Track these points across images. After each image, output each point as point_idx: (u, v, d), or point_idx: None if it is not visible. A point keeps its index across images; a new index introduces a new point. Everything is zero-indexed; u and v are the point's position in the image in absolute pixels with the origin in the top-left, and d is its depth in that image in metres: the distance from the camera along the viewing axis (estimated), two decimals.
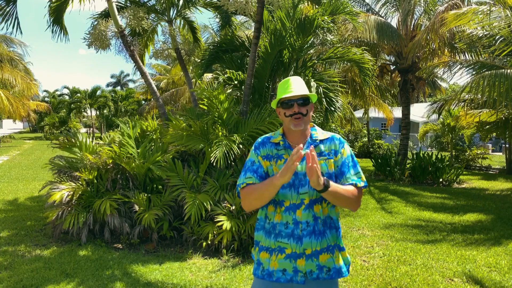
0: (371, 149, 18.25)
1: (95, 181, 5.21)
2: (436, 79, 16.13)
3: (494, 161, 15.87)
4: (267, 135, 1.96)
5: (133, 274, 3.97)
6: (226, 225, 4.48)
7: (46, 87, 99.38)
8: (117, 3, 6.97)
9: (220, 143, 4.85)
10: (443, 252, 4.81)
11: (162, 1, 7.14)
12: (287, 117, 1.83)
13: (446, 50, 11.01)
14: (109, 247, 4.80)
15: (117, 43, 6.78)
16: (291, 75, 6.16)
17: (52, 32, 7.10)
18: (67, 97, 35.09)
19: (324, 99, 5.93)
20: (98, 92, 32.99)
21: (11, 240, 5.04)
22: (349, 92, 12.83)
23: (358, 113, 22.20)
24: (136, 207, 4.93)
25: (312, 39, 6.27)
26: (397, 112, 17.37)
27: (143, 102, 30.36)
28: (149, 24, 6.70)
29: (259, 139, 1.94)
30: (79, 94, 33.04)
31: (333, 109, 6.04)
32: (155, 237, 4.90)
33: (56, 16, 6.93)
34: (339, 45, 7.03)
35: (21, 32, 6.63)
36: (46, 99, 36.20)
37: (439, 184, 10.36)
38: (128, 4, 7.06)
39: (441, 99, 14.30)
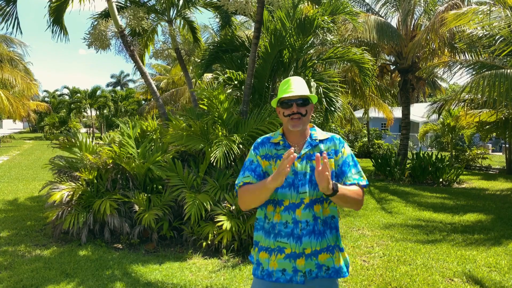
0: (371, 149, 18.26)
1: (95, 181, 5.21)
2: (436, 79, 16.13)
3: (494, 161, 15.87)
4: (267, 135, 1.97)
5: (133, 274, 3.97)
6: (226, 225, 4.48)
7: (46, 87, 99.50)
8: (117, 3, 6.97)
9: (220, 143, 4.85)
10: (443, 252, 4.81)
11: (162, 1, 7.14)
12: (286, 117, 1.84)
13: (446, 50, 11.01)
14: (109, 247, 4.80)
15: (117, 43, 6.78)
16: (291, 75, 6.16)
17: (52, 32, 7.11)
18: (67, 97, 35.10)
19: (324, 99, 5.93)
20: (98, 92, 33.00)
21: (11, 240, 5.04)
22: (349, 92, 12.82)
23: (358, 113, 22.20)
24: (136, 207, 4.93)
25: (312, 39, 6.27)
26: (397, 112, 17.37)
27: (143, 102, 30.37)
28: (149, 24, 6.70)
29: (259, 139, 1.95)
30: (79, 94, 33.05)
31: (333, 109, 6.04)
32: (155, 237, 4.90)
33: (56, 16, 6.93)
34: (339, 45, 7.03)
35: (21, 32, 6.64)
36: (46, 99, 36.20)
37: (439, 184, 10.36)
38: (128, 4, 7.06)
39: (441, 99, 14.31)
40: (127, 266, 4.18)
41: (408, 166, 11.02)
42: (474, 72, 8.65)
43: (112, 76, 55.49)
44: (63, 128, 32.08)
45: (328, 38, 6.46)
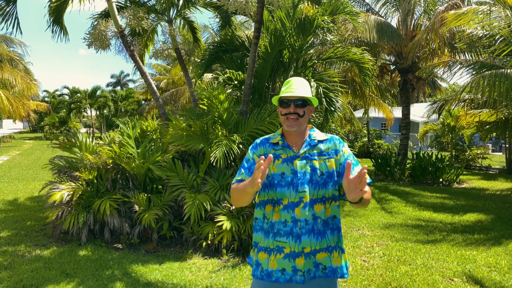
0: (371, 149, 18.26)
1: (95, 181, 5.21)
2: (436, 79, 16.12)
3: (494, 161, 15.88)
4: (266, 136, 1.98)
5: (133, 274, 3.97)
6: (226, 225, 4.48)
7: (46, 87, 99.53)
8: (117, 3, 6.97)
9: (220, 143, 4.85)
10: (443, 252, 4.81)
11: (162, 1, 7.14)
12: (283, 116, 1.85)
13: (446, 50, 11.00)
14: (109, 247, 4.80)
15: (117, 43, 6.79)
16: (291, 75, 6.16)
17: (52, 32, 7.10)
18: (67, 97, 35.09)
19: (324, 99, 5.93)
20: (98, 92, 33.00)
21: (11, 240, 5.04)
22: (349, 92, 12.82)
23: (358, 113, 22.20)
24: (136, 207, 4.93)
25: (312, 39, 6.27)
26: (397, 112, 17.37)
27: (143, 102, 30.37)
28: (149, 24, 6.70)
29: (258, 140, 1.96)
30: (79, 94, 33.04)
31: (333, 109, 6.04)
32: (155, 237, 4.90)
33: (56, 16, 6.93)
34: (339, 45, 7.03)
35: (21, 32, 6.63)
36: (46, 99, 36.20)
37: (439, 184, 10.36)
38: (128, 4, 7.06)
39: (441, 99, 14.31)
40: (127, 266, 4.18)
41: (408, 166, 11.02)
42: (474, 72, 8.65)
43: (112, 76, 55.53)
44: (63, 128, 32.09)
45: (328, 38, 6.46)
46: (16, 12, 6.38)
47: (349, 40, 10.99)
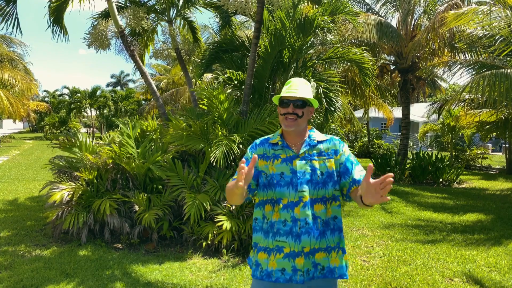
0: (371, 149, 18.26)
1: (95, 181, 5.21)
2: (436, 79, 16.12)
3: (494, 161, 15.88)
4: (266, 136, 1.98)
5: (133, 274, 3.97)
6: (226, 225, 4.48)
7: (46, 87, 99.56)
8: (117, 3, 6.97)
9: (220, 143, 4.85)
10: (443, 252, 4.81)
11: (162, 1, 7.13)
12: (281, 115, 1.86)
13: (446, 50, 11.00)
14: (109, 247, 4.80)
15: (117, 43, 6.78)
16: (291, 75, 6.16)
17: (52, 32, 7.10)
18: (67, 97, 35.10)
19: (324, 99, 5.93)
20: (98, 92, 33.00)
21: (11, 240, 5.04)
22: (349, 92, 12.82)
23: (358, 113, 22.20)
24: (136, 207, 4.93)
25: (312, 39, 6.27)
26: (397, 112, 17.37)
27: (143, 102, 30.37)
28: (149, 24, 6.70)
29: (257, 140, 1.97)
30: (79, 94, 33.05)
31: (333, 109, 6.04)
32: (155, 237, 4.90)
33: (56, 16, 6.93)
34: (339, 45, 7.03)
35: (21, 32, 6.63)
36: (46, 99, 36.21)
37: (439, 184, 10.35)
38: (128, 4, 7.05)
39: (441, 99, 14.31)
40: (127, 266, 4.18)
41: (408, 166, 11.02)
42: (474, 72, 8.65)
43: (112, 76, 55.54)
44: (63, 128, 32.09)
45: (328, 38, 6.46)
46: (16, 12, 6.38)
47: (349, 40, 10.99)
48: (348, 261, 1.91)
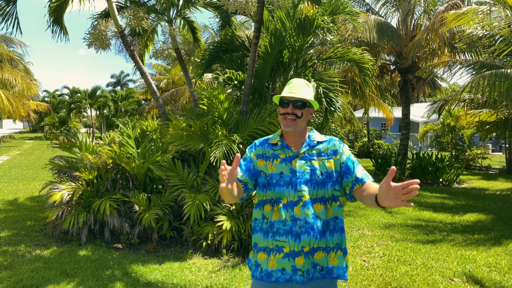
0: (371, 149, 18.26)
1: (95, 181, 5.21)
2: (436, 79, 16.12)
3: (494, 161, 15.88)
4: (265, 137, 1.99)
5: (133, 274, 3.97)
6: (226, 225, 4.48)
7: (46, 87, 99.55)
8: (117, 3, 6.97)
9: (220, 143, 4.85)
10: (443, 252, 4.81)
11: (162, 1, 7.13)
12: (281, 115, 1.87)
13: (446, 50, 11.01)
14: (109, 247, 4.80)
15: (117, 43, 6.78)
16: (291, 75, 6.16)
17: (52, 32, 7.10)
18: (67, 97, 35.10)
19: (324, 99, 5.93)
20: (98, 92, 33.01)
21: (11, 240, 5.04)
22: (349, 92, 12.82)
23: (358, 113, 22.20)
24: (136, 207, 4.93)
25: (312, 39, 6.27)
26: (397, 112, 17.37)
27: (143, 102, 30.37)
28: (149, 24, 6.70)
29: (257, 141, 1.98)
30: (79, 94, 33.05)
31: (333, 109, 6.04)
32: (155, 237, 4.90)
33: (56, 16, 6.93)
34: (339, 45, 7.03)
35: (21, 32, 6.63)
36: (46, 99, 36.22)
37: (439, 184, 10.35)
38: (128, 4, 7.05)
39: (441, 99, 14.30)
40: (127, 266, 4.18)
41: (408, 166, 11.02)
42: (474, 72, 8.65)
43: (112, 76, 55.54)
44: (63, 128, 32.10)
45: (328, 38, 6.46)
46: (16, 12, 6.38)
47: (349, 40, 10.99)
48: (348, 262, 1.90)
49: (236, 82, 6.17)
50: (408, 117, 12.39)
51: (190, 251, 4.65)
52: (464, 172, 12.30)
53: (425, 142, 21.86)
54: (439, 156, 10.84)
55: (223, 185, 1.53)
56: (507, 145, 13.45)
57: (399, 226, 6.08)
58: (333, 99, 6.05)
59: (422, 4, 11.73)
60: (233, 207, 4.79)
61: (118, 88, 49.26)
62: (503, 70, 7.06)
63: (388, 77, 13.20)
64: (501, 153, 20.58)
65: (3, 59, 17.42)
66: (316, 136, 1.92)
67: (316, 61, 6.64)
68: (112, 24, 6.49)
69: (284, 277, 1.76)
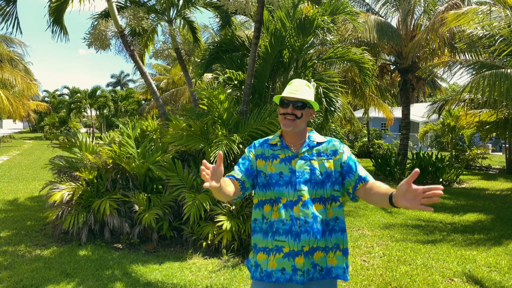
0: (371, 149, 18.26)
1: (95, 181, 5.21)
2: (436, 79, 16.13)
3: (494, 161, 15.87)
4: (265, 138, 2.00)
5: (133, 274, 3.97)
6: (226, 225, 4.48)
7: (46, 87, 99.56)
8: (117, 3, 6.97)
9: (220, 143, 4.85)
10: (443, 252, 4.81)
11: (162, 1, 7.13)
12: (281, 115, 1.87)
13: (446, 50, 11.01)
14: (109, 247, 4.80)
15: (117, 43, 6.79)
16: (291, 75, 6.16)
17: (52, 32, 7.10)
18: (67, 97, 35.11)
19: (324, 99, 5.93)
20: (98, 92, 33.01)
21: (11, 240, 5.04)
22: (349, 92, 12.82)
23: (358, 113, 22.20)
24: (136, 207, 4.93)
25: (312, 39, 6.27)
26: (397, 112, 17.37)
27: (143, 102, 30.37)
28: (149, 24, 6.70)
29: (256, 142, 1.98)
30: (79, 94, 33.06)
31: (333, 109, 6.03)
32: (155, 237, 4.90)
33: (56, 16, 6.93)
34: (339, 45, 7.03)
35: (21, 32, 6.63)
36: (46, 99, 36.21)
37: (439, 184, 10.35)
38: (128, 4, 7.06)
39: (441, 99, 14.30)
40: (127, 266, 4.18)
41: (408, 166, 11.01)
42: (474, 72, 8.65)
43: (112, 76, 55.54)
44: (63, 128, 32.10)
45: (328, 38, 6.46)
46: (16, 12, 6.38)
47: (349, 40, 10.99)
48: (348, 262, 1.90)
49: (236, 82, 6.17)
50: (408, 117, 12.39)
51: (190, 251, 4.65)
52: (464, 172, 12.30)
53: (425, 142, 21.86)
54: (439, 156, 10.84)
55: (206, 184, 1.52)
56: (507, 145, 13.45)
57: (399, 226, 6.08)
58: (333, 99, 6.05)
59: (422, 4, 11.73)
60: (233, 207, 4.79)
61: (118, 88, 49.27)
62: (503, 70, 7.06)
63: (388, 77, 13.20)
64: (501, 153, 20.58)
65: (3, 59, 17.42)
66: (315, 136, 1.93)
67: (316, 61, 6.64)
68: (112, 24, 6.49)
69: (284, 277, 1.76)
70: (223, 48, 6.75)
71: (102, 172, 5.27)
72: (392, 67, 12.75)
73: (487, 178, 11.88)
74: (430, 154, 10.84)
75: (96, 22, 7.05)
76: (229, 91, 6.13)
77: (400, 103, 12.86)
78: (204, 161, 1.54)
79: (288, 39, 5.73)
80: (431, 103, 15.81)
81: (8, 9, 6.26)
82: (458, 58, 10.43)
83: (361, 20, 9.03)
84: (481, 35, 8.19)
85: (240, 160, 1.92)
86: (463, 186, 10.35)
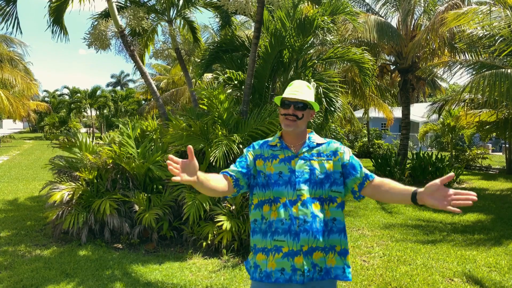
0: (371, 149, 18.26)
1: (95, 181, 5.21)
2: (436, 79, 16.11)
3: (494, 161, 15.87)
4: (265, 139, 2.01)
5: (133, 274, 3.97)
6: (226, 225, 4.48)
7: (46, 87, 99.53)
8: (117, 3, 6.97)
9: (220, 143, 4.85)
10: (443, 252, 4.81)
11: (162, 1, 7.13)
12: (282, 116, 1.88)
13: (446, 50, 11.00)
14: (109, 247, 4.80)
15: (117, 43, 6.78)
16: (291, 75, 6.16)
17: (52, 32, 7.10)
18: (67, 97, 35.11)
19: (324, 99, 5.93)
20: (98, 92, 33.01)
21: (11, 240, 5.04)
22: (349, 92, 12.82)
23: (358, 113, 22.20)
24: (136, 207, 4.93)
25: (312, 39, 6.27)
26: (397, 112, 17.37)
27: (143, 102, 30.37)
28: (149, 24, 6.70)
29: (255, 143, 1.99)
30: (79, 94, 33.06)
31: (333, 109, 6.03)
32: (155, 237, 4.90)
33: (56, 16, 6.92)
34: (339, 45, 7.03)
35: (21, 32, 6.64)
36: (46, 99, 36.22)
37: None
38: (128, 4, 7.05)
39: (441, 99, 14.29)
40: (127, 266, 4.18)
41: (408, 166, 11.01)
42: (474, 72, 8.64)
43: (112, 76, 55.53)
44: (63, 128, 32.10)
45: (328, 38, 6.46)
46: (16, 12, 6.38)
47: (349, 40, 10.99)
48: (349, 262, 1.89)
49: (236, 82, 6.17)
50: (408, 117, 12.38)
51: (190, 251, 4.65)
52: (464, 172, 12.30)
53: (425, 142, 21.85)
54: (439, 156, 10.84)
55: (176, 178, 1.51)
56: (507, 145, 13.45)
57: (399, 226, 6.08)
58: (333, 99, 6.05)
59: (422, 4, 11.73)
60: (233, 207, 4.79)
61: (118, 88, 49.26)
62: (503, 70, 7.06)
63: (388, 77, 13.20)
64: (501, 153, 20.57)
65: (3, 59, 17.42)
66: (315, 138, 1.94)
67: (316, 61, 6.64)
68: (112, 24, 6.49)
69: (284, 277, 1.75)
70: (223, 48, 6.75)
71: (102, 172, 5.27)
72: (392, 67, 12.75)
73: (487, 178, 11.88)
74: (430, 154, 10.84)
75: (96, 22, 7.04)
76: (229, 91, 6.13)
77: (400, 103, 12.86)
78: (170, 155, 1.54)
79: (288, 39, 5.73)
80: (431, 103, 15.80)
81: (8, 9, 6.26)
82: (458, 58, 10.42)
83: (361, 20, 9.02)
84: (481, 35, 8.18)
85: (238, 159, 1.93)
86: (463, 186, 10.35)
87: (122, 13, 6.54)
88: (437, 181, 1.53)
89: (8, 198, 7.65)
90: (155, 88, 6.79)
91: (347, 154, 1.88)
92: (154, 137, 5.72)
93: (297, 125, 1.85)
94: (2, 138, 26.51)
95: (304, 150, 1.86)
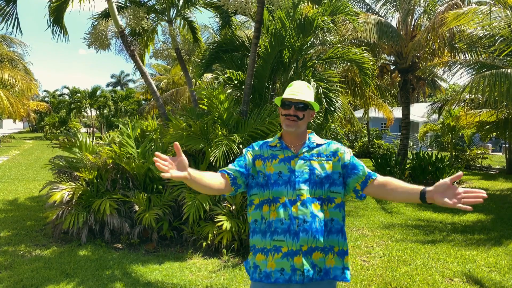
0: (371, 149, 18.26)
1: (95, 181, 5.21)
2: (436, 79, 16.10)
3: (494, 161, 15.87)
4: (265, 140, 2.01)
5: (133, 274, 3.97)
6: (226, 225, 4.48)
7: (46, 87, 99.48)
8: (117, 3, 6.97)
9: (220, 143, 4.85)
10: (443, 252, 4.81)
11: (162, 1, 7.13)
12: (283, 116, 1.89)
13: (446, 50, 10.99)
14: (109, 247, 4.80)
15: (117, 43, 6.79)
16: (291, 75, 6.16)
17: (52, 32, 7.10)
18: (67, 97, 35.11)
19: (324, 99, 5.93)
20: (98, 92, 33.00)
21: (11, 240, 5.04)
22: (349, 92, 12.81)
23: (358, 113, 22.20)
24: (136, 207, 4.93)
25: (312, 39, 6.27)
26: (397, 112, 17.36)
27: (143, 102, 30.37)
28: (149, 24, 6.70)
29: (255, 143, 1.99)
30: (79, 94, 33.06)
31: (333, 109, 6.03)
32: (155, 237, 4.90)
33: (56, 16, 6.92)
34: (339, 45, 7.03)
35: (21, 32, 6.64)
36: (46, 99, 36.22)
37: None
38: (128, 4, 7.05)
39: (441, 99, 14.29)
40: (127, 266, 4.18)
41: (408, 166, 11.01)
42: (474, 72, 8.64)
43: (112, 76, 55.51)
44: (63, 128, 32.10)
45: (328, 38, 6.46)
46: (16, 12, 6.38)
47: (349, 40, 10.98)
48: (349, 263, 1.89)
49: (236, 82, 6.17)
50: (408, 117, 12.38)
51: (190, 251, 4.65)
52: (464, 172, 12.30)
53: (425, 142, 21.84)
54: (439, 156, 10.83)
55: (166, 174, 1.51)
56: (507, 145, 13.44)
57: (399, 226, 6.08)
58: (333, 99, 6.05)
59: (422, 4, 11.72)
60: (233, 207, 4.79)
61: (118, 88, 49.24)
62: (503, 70, 7.05)
63: (388, 77, 13.19)
64: (501, 153, 20.56)
65: (3, 59, 17.42)
66: (315, 138, 1.95)
67: (316, 61, 6.64)
68: (112, 24, 6.49)
69: (284, 278, 1.75)
70: (223, 48, 6.75)
71: (102, 172, 5.27)
72: (392, 67, 12.75)
73: (487, 178, 11.88)
74: (430, 154, 10.85)
75: (96, 22, 7.04)
76: (229, 91, 6.13)
77: (400, 103, 12.85)
78: (157, 152, 1.54)
79: (288, 39, 5.73)
80: (431, 103, 15.79)
81: (8, 9, 6.26)
82: (458, 58, 10.42)
83: (361, 20, 9.02)
84: (481, 35, 8.18)
85: (237, 158, 1.94)
86: (463, 186, 10.35)
87: (122, 13, 6.54)
88: (447, 179, 1.57)
89: (8, 198, 7.65)
90: (155, 88, 6.79)
91: (347, 154, 1.88)
92: (154, 137, 5.72)
93: (298, 126, 1.86)
94: (2, 138, 26.51)
95: (304, 150, 1.86)
